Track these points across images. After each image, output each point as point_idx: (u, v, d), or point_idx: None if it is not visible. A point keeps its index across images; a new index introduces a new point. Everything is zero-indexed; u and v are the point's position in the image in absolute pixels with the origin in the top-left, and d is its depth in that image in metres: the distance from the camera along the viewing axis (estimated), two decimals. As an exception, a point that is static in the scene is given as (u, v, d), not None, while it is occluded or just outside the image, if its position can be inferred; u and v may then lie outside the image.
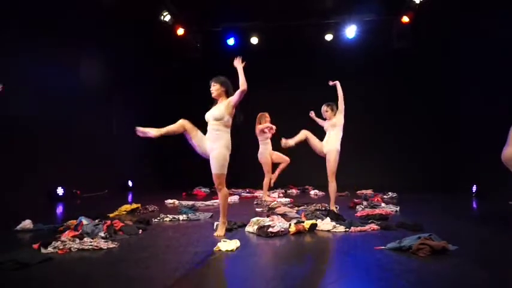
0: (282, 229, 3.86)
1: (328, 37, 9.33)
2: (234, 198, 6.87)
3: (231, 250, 3.18)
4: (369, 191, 7.53)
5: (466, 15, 7.89)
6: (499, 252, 3.26)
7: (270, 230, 3.78)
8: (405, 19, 8.41)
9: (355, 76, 9.90)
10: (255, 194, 7.55)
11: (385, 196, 6.98)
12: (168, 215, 4.77)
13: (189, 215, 4.92)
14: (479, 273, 2.64)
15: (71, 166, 7.01)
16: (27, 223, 4.07)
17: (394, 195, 7.07)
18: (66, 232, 3.63)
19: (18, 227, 4.02)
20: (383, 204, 5.73)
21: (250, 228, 3.99)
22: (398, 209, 5.46)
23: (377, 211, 5.05)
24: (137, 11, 8.03)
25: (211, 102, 3.91)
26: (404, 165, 9.75)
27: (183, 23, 9.04)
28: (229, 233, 3.91)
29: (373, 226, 4.10)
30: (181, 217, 4.79)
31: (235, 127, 3.87)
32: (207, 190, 8.17)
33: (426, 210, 5.62)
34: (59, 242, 3.28)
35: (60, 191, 6.73)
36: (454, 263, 2.83)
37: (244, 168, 8.25)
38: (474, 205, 6.49)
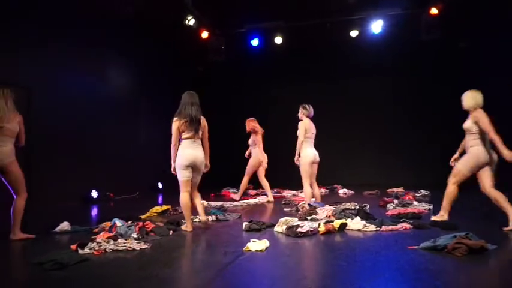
0: (311, 229, 3.83)
1: (354, 33, 9.15)
2: (262, 198, 6.89)
3: (261, 250, 3.19)
4: (400, 189, 7.34)
5: (496, 6, 7.54)
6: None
7: (299, 229, 3.75)
8: (434, 11, 8.15)
9: (381, 71, 9.71)
10: (283, 194, 7.51)
11: (417, 194, 6.79)
12: (197, 216, 4.80)
13: (218, 215, 4.98)
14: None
15: (104, 170, 7.29)
16: (65, 225, 4.25)
17: (427, 193, 6.86)
18: (101, 233, 3.76)
19: (57, 229, 4.19)
20: (415, 203, 5.58)
21: (279, 228, 3.98)
22: (431, 207, 5.29)
23: (409, 210, 4.93)
24: (161, 17, 8.18)
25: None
26: (436, 162, 9.42)
27: (207, 26, 9.15)
28: (258, 233, 3.93)
29: (406, 225, 4.00)
30: (210, 218, 4.84)
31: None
32: (235, 191, 8.22)
33: (461, 208, 5.40)
34: (95, 243, 3.40)
35: (94, 194, 7.00)
36: (493, 264, 2.71)
37: (272, 168, 8.19)
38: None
